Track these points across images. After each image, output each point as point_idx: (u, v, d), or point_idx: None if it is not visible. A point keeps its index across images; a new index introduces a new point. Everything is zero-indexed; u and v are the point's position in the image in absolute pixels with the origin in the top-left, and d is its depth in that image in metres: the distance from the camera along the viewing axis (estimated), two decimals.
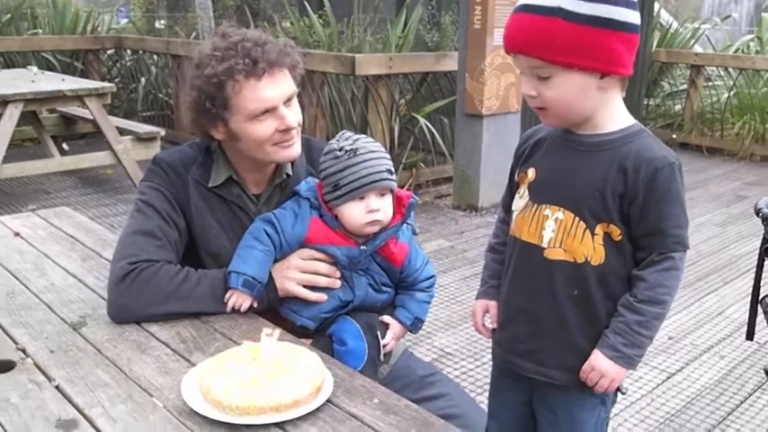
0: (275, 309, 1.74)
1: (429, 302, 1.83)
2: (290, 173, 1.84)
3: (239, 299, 1.67)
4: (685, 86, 8.37)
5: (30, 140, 6.85)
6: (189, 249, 1.80)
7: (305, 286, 1.70)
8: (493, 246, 1.67)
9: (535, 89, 1.40)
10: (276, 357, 1.37)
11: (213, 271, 1.72)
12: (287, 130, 1.71)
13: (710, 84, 8.35)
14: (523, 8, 1.36)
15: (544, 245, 1.46)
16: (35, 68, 6.33)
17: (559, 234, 1.44)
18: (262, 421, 1.26)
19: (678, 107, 8.51)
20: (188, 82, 1.74)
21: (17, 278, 1.90)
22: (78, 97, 5.40)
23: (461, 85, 5.43)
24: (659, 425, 2.80)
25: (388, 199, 1.68)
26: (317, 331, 1.74)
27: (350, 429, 1.27)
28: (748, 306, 2.10)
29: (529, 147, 1.55)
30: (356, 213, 1.66)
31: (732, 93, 7.85)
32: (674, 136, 7.98)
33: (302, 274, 1.70)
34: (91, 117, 5.62)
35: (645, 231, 1.41)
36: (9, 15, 8.20)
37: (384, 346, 1.73)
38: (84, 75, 7.65)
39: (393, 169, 1.69)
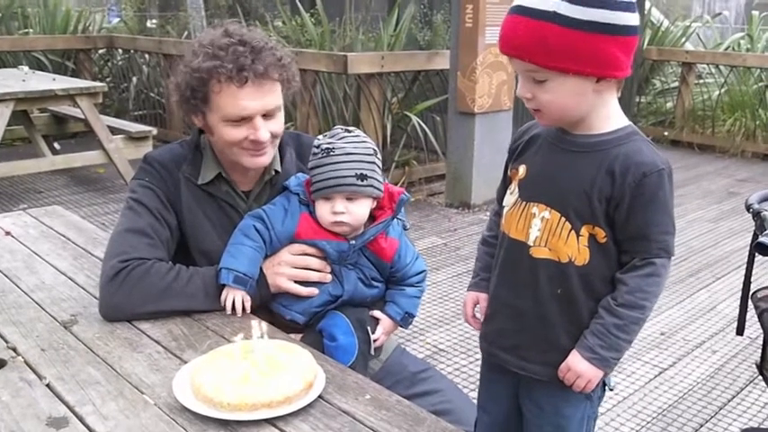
0: (266, 304, 1.73)
1: (419, 297, 1.83)
2: (279, 169, 1.83)
3: (237, 297, 1.66)
4: (677, 84, 8.40)
5: (21, 140, 6.82)
6: (180, 247, 1.80)
7: (296, 281, 1.70)
8: (485, 238, 1.68)
9: (530, 92, 1.39)
10: (268, 354, 1.37)
11: (204, 268, 1.72)
12: (256, 141, 1.71)
13: (702, 81, 8.38)
14: (519, 10, 1.34)
15: (530, 243, 1.47)
16: (26, 68, 6.31)
17: (545, 233, 1.45)
18: (253, 417, 1.26)
19: (669, 104, 8.54)
20: (181, 64, 1.73)
21: (7, 277, 1.90)
22: (70, 96, 5.38)
23: (453, 84, 5.43)
24: (651, 419, 2.81)
25: (361, 203, 1.67)
26: (307, 326, 1.74)
27: (341, 425, 1.27)
28: (739, 301, 2.11)
29: (523, 142, 1.55)
30: (323, 212, 1.67)
31: (723, 90, 7.89)
32: (665, 133, 8.01)
33: (293, 270, 1.70)
34: (82, 116, 5.61)
35: (629, 235, 1.41)
36: (0, 15, 8.17)
37: (374, 341, 1.73)
38: (75, 74, 7.62)
39: (371, 174, 1.65)
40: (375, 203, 1.71)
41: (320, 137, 1.70)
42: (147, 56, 8.01)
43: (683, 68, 8.15)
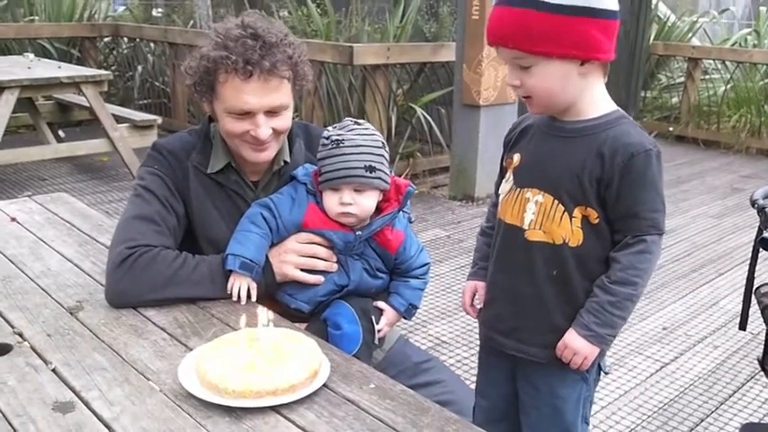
0: (271, 293, 1.74)
1: (423, 289, 1.84)
2: (288, 160, 1.84)
3: (243, 284, 1.67)
4: (682, 79, 8.37)
5: (26, 127, 6.81)
6: (188, 236, 1.81)
7: (302, 270, 1.71)
8: (484, 229, 1.73)
9: (518, 79, 1.45)
10: (273, 342, 1.37)
11: (211, 257, 1.72)
12: (257, 138, 1.70)
13: (707, 77, 8.35)
14: (503, 1, 1.42)
15: (525, 227, 1.52)
16: (31, 55, 6.30)
17: (539, 216, 1.50)
18: (258, 404, 1.27)
19: (675, 100, 8.51)
20: (196, 48, 1.74)
21: (13, 263, 1.91)
22: (75, 84, 5.38)
23: (459, 76, 5.42)
24: (652, 414, 2.82)
25: (369, 195, 1.68)
26: (312, 315, 1.74)
27: (346, 413, 1.28)
28: (742, 297, 2.11)
29: (516, 134, 1.62)
30: (330, 203, 1.68)
31: (729, 86, 7.85)
32: (670, 128, 7.99)
33: (300, 258, 1.71)
34: (87, 104, 5.60)
35: (620, 215, 1.46)
36: (5, 2, 8.16)
37: (378, 331, 1.74)
38: (80, 62, 7.60)
39: (379, 166, 1.66)
40: (382, 196, 1.72)
41: (330, 128, 1.70)
42: (152, 45, 8.00)
43: (689, 64, 8.11)
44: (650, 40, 8.27)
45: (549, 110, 1.51)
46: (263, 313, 1.40)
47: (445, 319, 3.58)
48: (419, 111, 5.83)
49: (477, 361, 1.97)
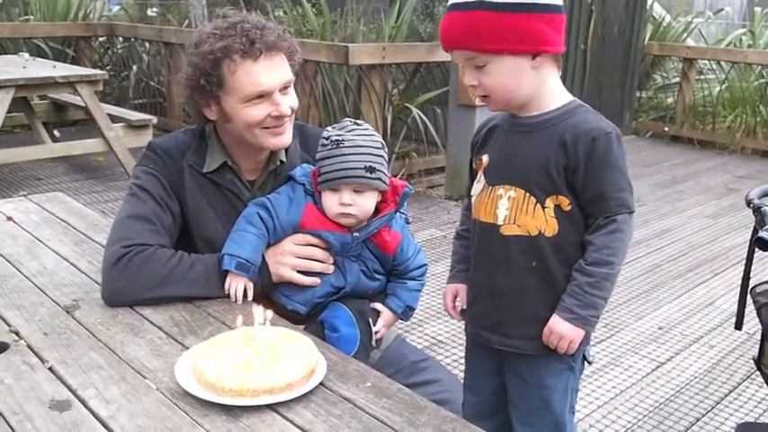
0: (267, 293, 1.74)
1: (420, 291, 1.84)
2: (284, 159, 1.84)
3: (240, 284, 1.66)
4: (678, 79, 8.40)
5: (21, 127, 6.80)
6: (183, 235, 1.80)
7: (299, 271, 1.70)
8: (459, 233, 1.77)
9: (475, 79, 1.50)
10: (270, 341, 1.37)
11: (206, 256, 1.72)
12: (279, 116, 1.71)
13: (702, 77, 8.37)
14: (451, 7, 1.48)
15: (500, 222, 1.56)
16: (26, 55, 6.29)
17: (513, 211, 1.54)
18: (255, 403, 1.27)
19: (670, 100, 8.54)
20: (185, 60, 1.75)
21: (9, 262, 1.90)
22: (70, 84, 5.37)
23: (454, 76, 5.41)
24: (648, 413, 2.82)
25: (368, 195, 1.68)
26: (309, 317, 1.74)
27: (342, 412, 1.28)
28: (738, 296, 2.12)
29: (482, 136, 1.67)
30: (330, 204, 1.68)
31: (724, 86, 7.88)
32: (665, 129, 8.01)
33: (296, 260, 1.70)
34: (82, 104, 5.59)
35: (589, 198, 1.50)
36: (0, 1, 8.13)
37: (375, 333, 1.74)
38: (75, 62, 7.58)
39: (379, 167, 1.67)
40: (380, 196, 1.72)
41: (329, 128, 1.70)
42: (147, 44, 7.99)
43: (684, 64, 8.14)
44: (645, 41, 8.30)
45: (508, 106, 1.55)
46: (260, 312, 1.40)
47: (441, 319, 3.58)
48: (415, 111, 5.83)
49: None
